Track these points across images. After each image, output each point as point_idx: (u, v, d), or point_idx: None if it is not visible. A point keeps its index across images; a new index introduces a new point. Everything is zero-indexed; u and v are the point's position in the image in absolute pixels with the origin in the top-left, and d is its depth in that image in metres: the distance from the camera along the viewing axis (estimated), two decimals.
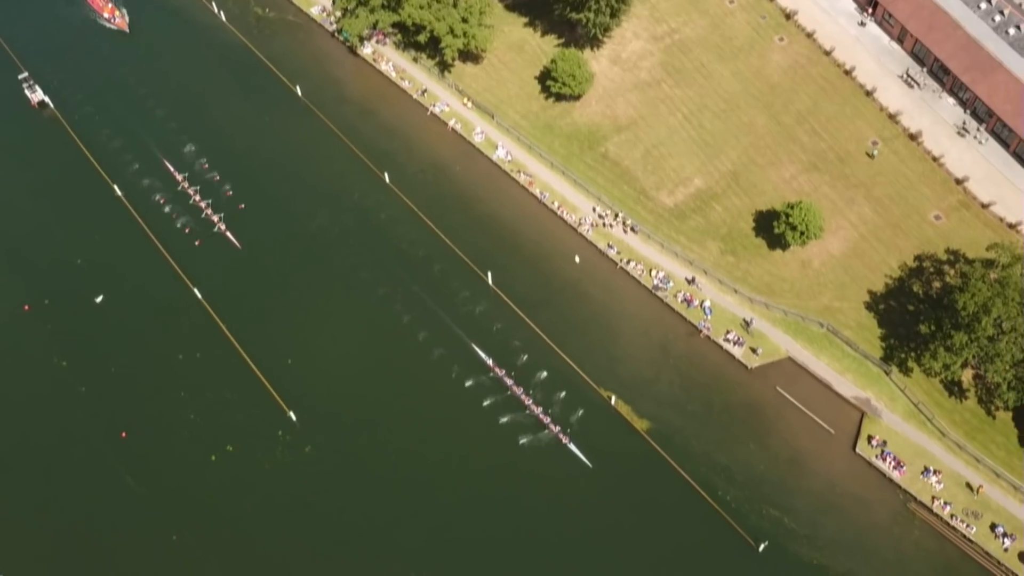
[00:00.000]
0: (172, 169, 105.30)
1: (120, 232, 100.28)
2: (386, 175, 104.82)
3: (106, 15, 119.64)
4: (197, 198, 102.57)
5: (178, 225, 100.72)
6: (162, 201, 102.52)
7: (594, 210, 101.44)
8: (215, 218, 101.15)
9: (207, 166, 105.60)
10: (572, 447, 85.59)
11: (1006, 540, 79.75)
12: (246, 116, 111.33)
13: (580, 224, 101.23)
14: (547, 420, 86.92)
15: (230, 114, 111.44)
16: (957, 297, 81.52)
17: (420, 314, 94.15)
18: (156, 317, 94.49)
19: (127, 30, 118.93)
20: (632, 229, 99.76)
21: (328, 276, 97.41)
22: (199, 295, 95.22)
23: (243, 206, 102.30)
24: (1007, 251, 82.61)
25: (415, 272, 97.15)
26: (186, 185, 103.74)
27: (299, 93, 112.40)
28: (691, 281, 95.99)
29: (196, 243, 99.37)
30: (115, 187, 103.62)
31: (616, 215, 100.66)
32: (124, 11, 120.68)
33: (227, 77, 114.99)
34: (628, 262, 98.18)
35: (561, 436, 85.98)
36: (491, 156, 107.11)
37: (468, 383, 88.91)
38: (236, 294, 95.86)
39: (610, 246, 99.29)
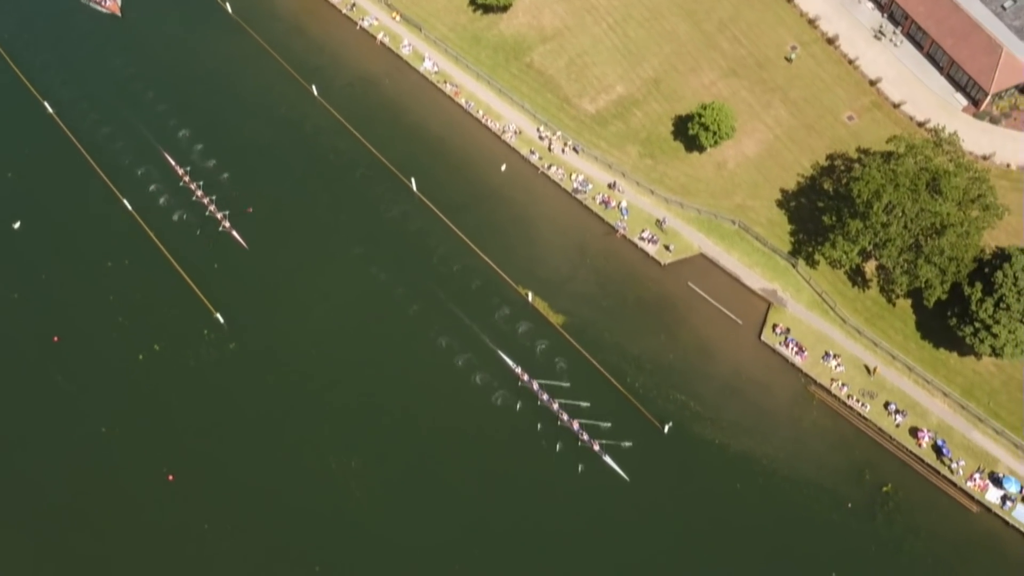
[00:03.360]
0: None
1: (50, 147, 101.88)
2: (314, 88, 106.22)
3: None
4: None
5: (104, 133, 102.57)
6: (90, 114, 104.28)
7: (538, 131, 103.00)
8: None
9: (133, 75, 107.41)
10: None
11: (898, 417, 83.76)
12: (176, 32, 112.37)
13: (504, 132, 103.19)
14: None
15: (160, 32, 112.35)
16: (853, 186, 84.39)
17: (340, 216, 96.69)
18: (85, 226, 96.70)
19: (119, 13, 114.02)
20: (575, 150, 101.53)
21: (251, 184, 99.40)
22: (129, 206, 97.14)
23: (163, 107, 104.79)
24: (903, 142, 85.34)
25: (337, 177, 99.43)
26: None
27: (229, 10, 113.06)
28: (612, 186, 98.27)
29: (117, 144, 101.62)
30: (46, 104, 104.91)
31: (557, 134, 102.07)
32: None
33: None
34: (549, 167, 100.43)
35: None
36: (418, 68, 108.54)
37: (382, 277, 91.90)
38: (165, 205, 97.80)
39: (532, 152, 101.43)
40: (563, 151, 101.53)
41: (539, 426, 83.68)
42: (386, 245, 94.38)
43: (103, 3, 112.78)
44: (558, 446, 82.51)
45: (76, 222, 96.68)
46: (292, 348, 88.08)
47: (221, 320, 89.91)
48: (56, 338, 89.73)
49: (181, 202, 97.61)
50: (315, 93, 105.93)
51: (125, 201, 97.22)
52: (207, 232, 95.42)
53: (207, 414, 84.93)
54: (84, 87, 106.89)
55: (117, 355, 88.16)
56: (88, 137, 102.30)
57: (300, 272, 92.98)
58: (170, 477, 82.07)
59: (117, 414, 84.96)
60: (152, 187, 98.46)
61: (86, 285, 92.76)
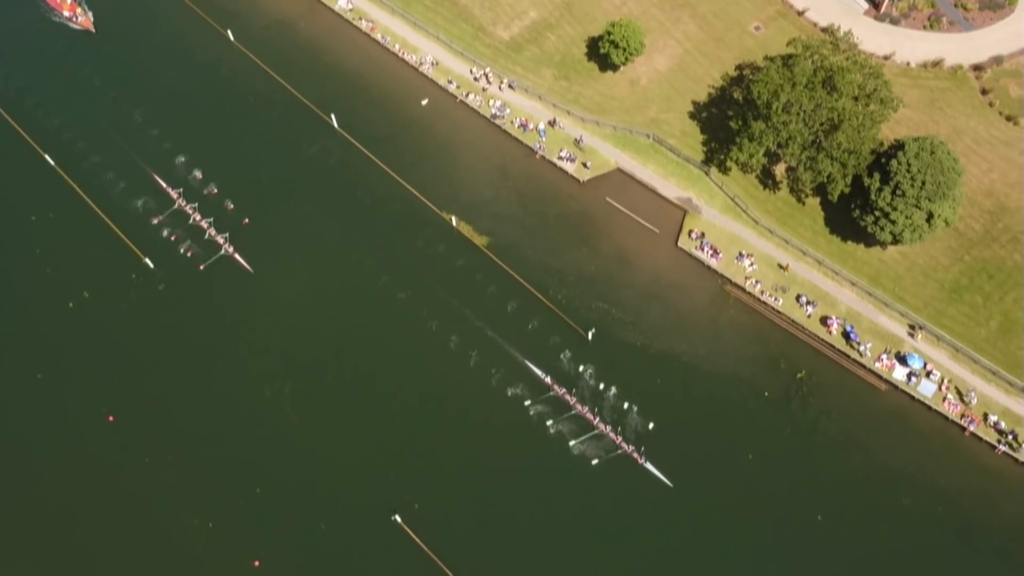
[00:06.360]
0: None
1: None
2: (230, 33, 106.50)
3: (67, 13, 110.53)
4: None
5: (16, 86, 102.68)
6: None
7: (471, 72, 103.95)
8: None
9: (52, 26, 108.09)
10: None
11: (809, 308, 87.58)
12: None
13: (421, 64, 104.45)
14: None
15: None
16: (753, 88, 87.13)
17: (261, 154, 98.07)
18: (7, 183, 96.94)
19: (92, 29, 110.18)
20: (510, 86, 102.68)
21: (169, 128, 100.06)
22: (50, 161, 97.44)
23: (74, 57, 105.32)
24: (800, 43, 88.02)
25: (257, 117, 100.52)
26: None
27: None
28: (553, 123, 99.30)
29: (30, 100, 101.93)
30: None
31: (487, 71, 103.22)
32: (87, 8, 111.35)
33: None
34: (467, 95, 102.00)
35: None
36: (333, 7, 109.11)
37: (304, 209, 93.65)
38: (82, 150, 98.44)
39: (450, 81, 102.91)
40: (500, 88, 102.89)
41: (455, 339, 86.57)
42: (308, 179, 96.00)
43: (75, 19, 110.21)
44: (475, 355, 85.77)
45: None
46: (219, 283, 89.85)
47: (151, 264, 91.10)
48: None
49: (100, 149, 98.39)
50: (231, 38, 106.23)
51: (47, 157, 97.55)
52: (128, 180, 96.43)
53: (142, 354, 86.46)
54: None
55: (47, 304, 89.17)
56: (9, 96, 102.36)
57: (225, 209, 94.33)
58: (110, 418, 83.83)
59: (52, 361, 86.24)
60: (67, 135, 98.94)
61: (12, 240, 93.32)
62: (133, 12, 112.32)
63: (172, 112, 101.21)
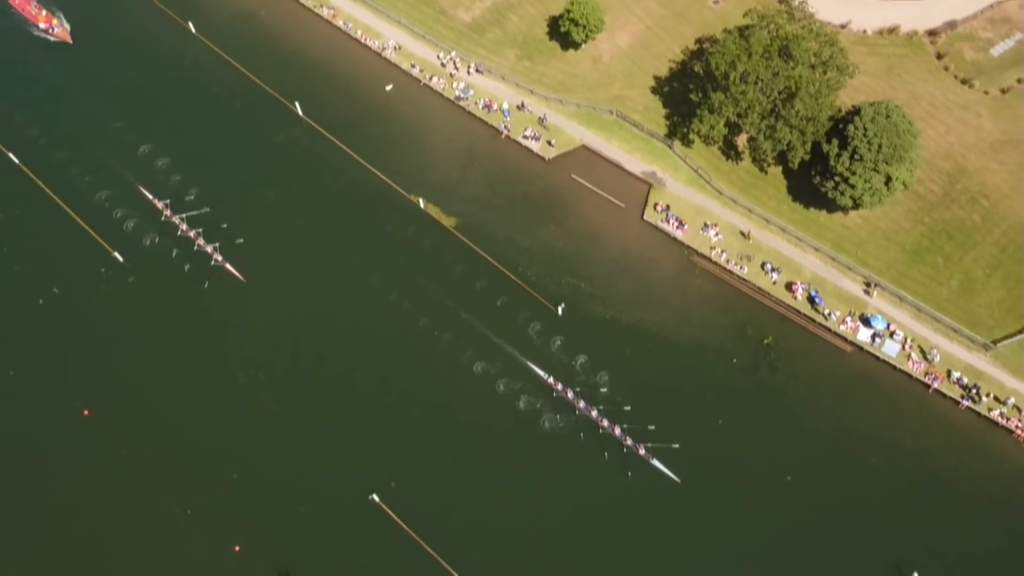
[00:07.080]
0: None
1: None
2: (191, 25, 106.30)
3: (43, 25, 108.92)
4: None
5: None
6: None
7: (438, 57, 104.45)
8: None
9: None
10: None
11: (774, 274, 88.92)
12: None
13: (384, 49, 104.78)
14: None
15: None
16: (710, 59, 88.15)
17: (225, 143, 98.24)
18: None
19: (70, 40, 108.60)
20: (477, 70, 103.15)
21: (134, 122, 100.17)
22: (15, 160, 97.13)
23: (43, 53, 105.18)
24: (756, 13, 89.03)
25: (221, 107, 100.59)
26: None
27: None
28: (521, 107, 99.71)
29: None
30: None
31: (452, 55, 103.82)
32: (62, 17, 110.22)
33: None
34: (431, 78, 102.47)
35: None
36: None
37: (271, 196, 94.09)
38: (45, 146, 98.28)
39: (413, 65, 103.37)
40: (469, 73, 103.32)
41: (426, 319, 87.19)
42: (274, 167, 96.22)
43: (52, 31, 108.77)
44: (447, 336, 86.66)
45: None
46: (186, 271, 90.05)
47: (120, 258, 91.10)
48: None
49: (64, 145, 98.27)
50: (192, 30, 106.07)
51: (11, 156, 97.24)
52: (92, 175, 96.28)
53: (115, 347, 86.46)
54: None
55: (17, 302, 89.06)
56: None
57: (187, 195, 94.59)
58: (85, 412, 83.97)
59: (24, 357, 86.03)
60: (31, 133, 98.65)
61: None
62: (108, 18, 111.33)
63: (136, 106, 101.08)
